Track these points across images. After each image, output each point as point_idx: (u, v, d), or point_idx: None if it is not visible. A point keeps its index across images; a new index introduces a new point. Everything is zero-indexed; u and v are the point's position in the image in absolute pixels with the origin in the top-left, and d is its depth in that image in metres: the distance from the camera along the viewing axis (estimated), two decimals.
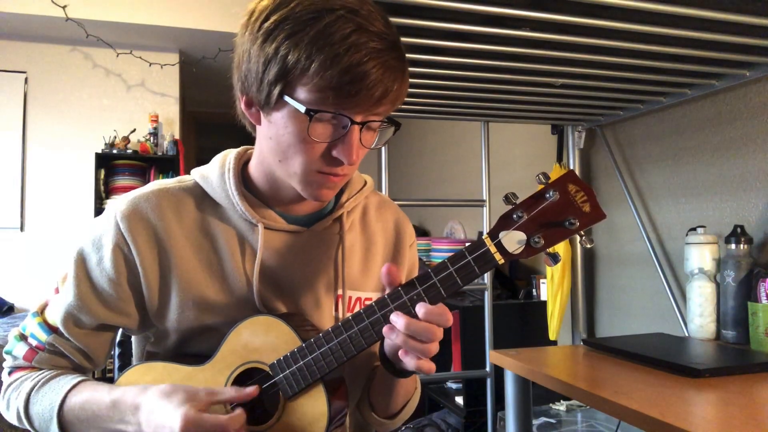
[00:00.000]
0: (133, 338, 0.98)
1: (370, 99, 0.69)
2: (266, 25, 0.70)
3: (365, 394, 0.93)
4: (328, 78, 0.67)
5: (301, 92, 0.69)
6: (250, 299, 0.83)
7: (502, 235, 0.70)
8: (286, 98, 0.70)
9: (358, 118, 0.71)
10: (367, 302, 0.89)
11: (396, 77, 0.70)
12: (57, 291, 0.85)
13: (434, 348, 0.71)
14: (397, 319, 0.70)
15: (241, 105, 0.77)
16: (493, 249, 0.70)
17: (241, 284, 0.83)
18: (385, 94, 0.69)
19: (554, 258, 0.70)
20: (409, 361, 0.71)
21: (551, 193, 0.68)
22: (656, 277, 1.85)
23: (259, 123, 0.78)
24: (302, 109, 0.69)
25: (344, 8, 0.68)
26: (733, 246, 1.42)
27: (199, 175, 0.87)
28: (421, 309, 0.70)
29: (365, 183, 0.95)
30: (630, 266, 2.02)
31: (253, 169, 0.85)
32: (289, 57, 0.68)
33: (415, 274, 0.97)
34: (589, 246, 0.72)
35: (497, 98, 1.75)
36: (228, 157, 0.87)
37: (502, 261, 0.70)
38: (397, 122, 0.77)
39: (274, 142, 0.75)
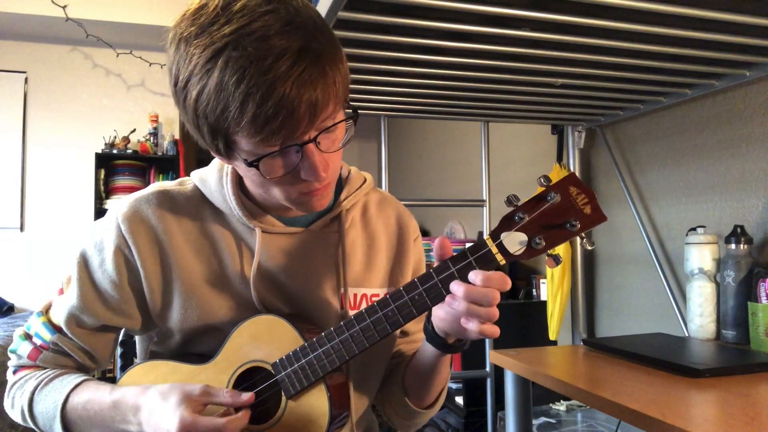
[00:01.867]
0: (136, 337, 0.98)
1: (301, 119, 0.64)
2: (178, 87, 0.68)
3: (396, 387, 0.92)
4: (249, 125, 0.64)
5: (241, 141, 0.67)
6: (251, 301, 0.83)
7: (503, 236, 0.70)
8: (233, 150, 0.70)
9: (306, 137, 0.67)
10: (374, 298, 0.89)
11: (315, 84, 0.64)
12: (61, 292, 0.86)
13: (495, 312, 0.70)
14: (458, 288, 0.69)
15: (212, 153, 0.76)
16: (494, 250, 0.70)
17: (241, 287, 0.83)
18: (314, 105, 0.64)
19: (556, 259, 0.70)
20: (472, 327, 0.70)
21: (552, 195, 0.68)
22: (656, 277, 1.85)
23: (231, 165, 0.77)
24: (245, 162, 0.69)
25: (232, 42, 0.62)
26: (733, 246, 1.42)
27: (198, 178, 0.87)
28: (478, 276, 0.69)
29: (365, 180, 0.94)
30: (630, 266, 2.03)
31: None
32: (209, 116, 0.66)
33: (423, 268, 0.97)
34: (590, 248, 0.73)
35: (497, 98, 1.76)
36: None
37: (504, 262, 0.70)
38: (355, 112, 0.72)
39: (249, 180, 0.77)
